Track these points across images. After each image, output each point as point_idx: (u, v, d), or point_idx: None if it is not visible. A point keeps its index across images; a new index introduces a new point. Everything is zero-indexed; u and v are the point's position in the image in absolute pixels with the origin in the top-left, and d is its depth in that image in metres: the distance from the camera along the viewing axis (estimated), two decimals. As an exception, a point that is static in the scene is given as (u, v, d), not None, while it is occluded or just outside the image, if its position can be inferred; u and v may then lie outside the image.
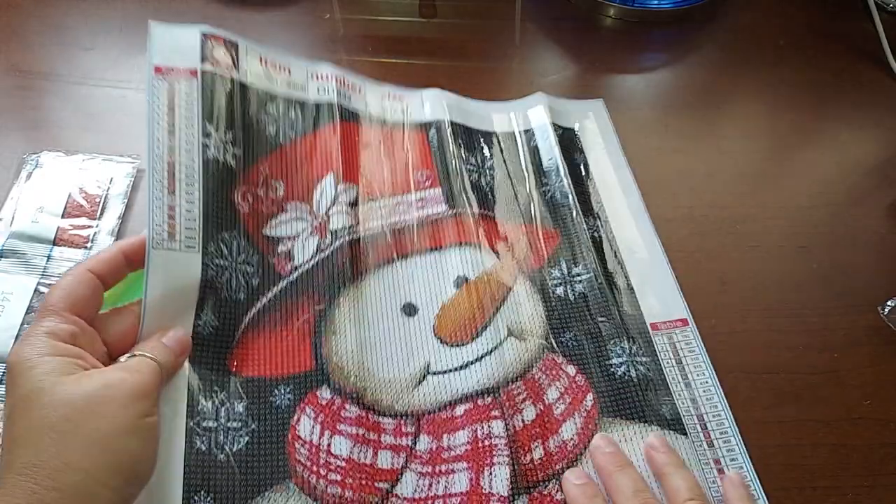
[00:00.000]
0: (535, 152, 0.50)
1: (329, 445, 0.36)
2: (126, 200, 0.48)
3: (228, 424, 0.35)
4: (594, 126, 0.53)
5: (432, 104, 0.50)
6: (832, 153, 0.57)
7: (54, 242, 0.46)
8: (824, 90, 0.60)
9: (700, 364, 0.41)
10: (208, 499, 0.33)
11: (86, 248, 0.46)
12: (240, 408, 0.36)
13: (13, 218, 0.46)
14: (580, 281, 0.44)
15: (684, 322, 0.43)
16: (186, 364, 0.36)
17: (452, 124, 0.49)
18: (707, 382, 0.41)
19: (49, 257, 0.45)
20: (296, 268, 0.41)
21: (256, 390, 0.37)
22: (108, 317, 0.34)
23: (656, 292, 0.44)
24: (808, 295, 0.47)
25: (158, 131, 0.38)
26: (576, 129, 0.53)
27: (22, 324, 0.42)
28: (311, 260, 0.41)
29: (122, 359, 0.33)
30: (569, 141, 0.51)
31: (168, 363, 0.33)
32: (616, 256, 0.46)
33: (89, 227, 0.47)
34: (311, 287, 0.40)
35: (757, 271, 0.48)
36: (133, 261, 0.35)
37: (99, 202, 0.48)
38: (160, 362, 0.32)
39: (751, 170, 0.55)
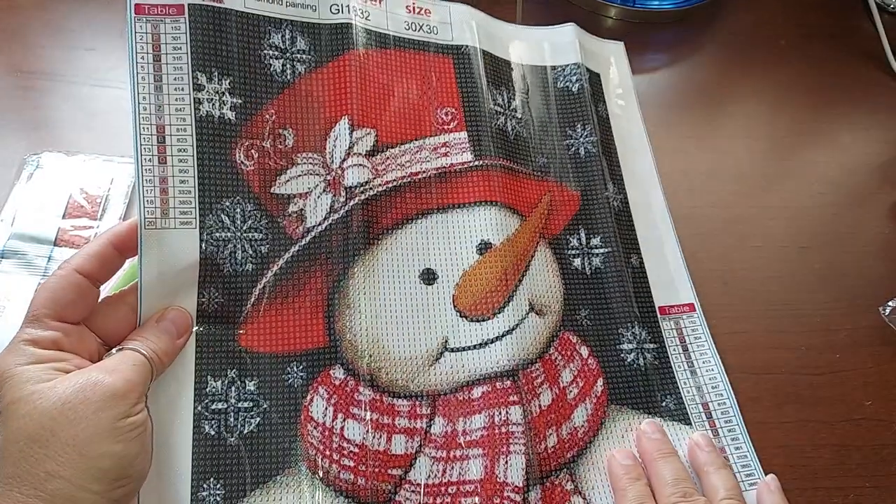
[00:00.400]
0: (562, 95, 0.46)
1: (342, 429, 0.34)
2: (127, 201, 0.48)
3: (239, 405, 0.34)
4: (616, 75, 0.49)
5: (460, 24, 0.44)
6: (833, 153, 0.57)
7: (55, 243, 0.46)
8: (825, 90, 0.60)
9: (706, 351, 0.41)
10: (217, 486, 0.32)
11: (87, 248, 0.46)
12: (251, 386, 0.34)
13: (14, 218, 0.46)
14: (598, 255, 0.42)
15: (691, 307, 0.43)
16: (192, 344, 0.34)
17: (482, 53, 0.43)
18: (713, 370, 0.40)
19: (50, 258, 0.45)
20: (308, 230, 0.37)
21: (268, 367, 0.35)
22: (100, 308, 0.33)
23: (666, 273, 0.43)
24: (810, 295, 0.47)
25: (144, 88, 0.34)
26: (601, 75, 0.48)
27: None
28: (324, 221, 0.37)
29: (113, 351, 0.32)
30: (596, 89, 0.47)
31: (162, 350, 0.32)
32: (632, 231, 0.44)
33: (90, 227, 0.47)
34: (324, 253, 0.37)
35: (758, 272, 0.48)
36: (125, 250, 0.33)
37: (100, 203, 0.48)
38: (149, 354, 0.31)
39: (752, 170, 0.55)
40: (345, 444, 0.34)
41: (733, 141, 0.56)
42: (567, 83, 0.46)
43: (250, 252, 0.36)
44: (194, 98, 0.35)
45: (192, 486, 0.32)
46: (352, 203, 0.38)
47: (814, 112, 0.59)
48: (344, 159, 0.38)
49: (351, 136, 0.39)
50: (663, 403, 0.39)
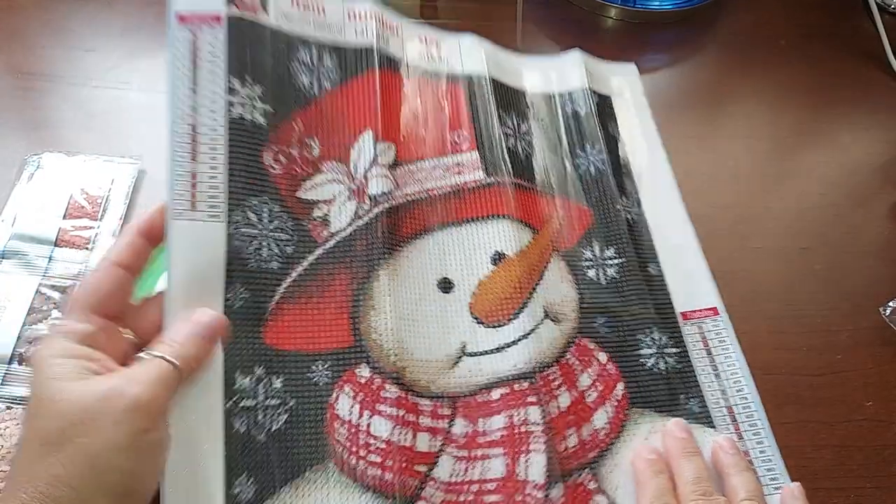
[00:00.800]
0: (571, 119, 0.48)
1: (369, 426, 0.35)
2: (128, 202, 0.48)
3: (267, 402, 0.34)
4: (629, 95, 0.51)
5: (470, 54, 0.46)
6: (834, 154, 0.57)
7: (56, 243, 0.46)
8: (826, 91, 0.60)
9: (731, 354, 0.41)
10: (250, 482, 0.32)
11: (87, 249, 0.46)
12: (277, 384, 0.34)
13: (15, 219, 0.46)
14: (612, 265, 0.42)
15: (714, 311, 0.42)
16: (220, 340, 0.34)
17: (492, 81, 0.46)
18: (737, 374, 0.40)
19: (50, 258, 0.45)
20: (332, 234, 0.38)
21: (293, 365, 0.35)
22: (138, 308, 0.33)
23: (687, 279, 0.43)
24: (810, 296, 0.47)
25: (181, 89, 0.35)
26: (611, 97, 0.50)
27: (23, 324, 0.42)
28: (348, 226, 0.38)
29: (143, 355, 0.31)
30: (605, 110, 0.49)
31: (193, 356, 0.31)
32: (649, 241, 0.44)
33: (91, 227, 0.47)
34: (348, 257, 0.38)
35: (759, 272, 0.48)
36: (152, 236, 0.33)
37: (100, 203, 0.48)
38: (178, 361, 0.30)
39: (752, 171, 0.55)
40: (371, 441, 0.34)
41: (734, 141, 0.56)
42: (575, 108, 0.47)
43: (276, 251, 0.36)
44: (227, 101, 0.36)
45: (224, 482, 0.32)
46: (376, 210, 0.39)
47: (814, 112, 0.59)
48: (368, 170, 0.39)
49: (374, 149, 0.40)
50: (687, 406, 0.38)
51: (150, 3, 0.62)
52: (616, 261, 0.42)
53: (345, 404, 0.35)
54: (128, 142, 0.52)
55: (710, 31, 0.65)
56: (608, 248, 0.43)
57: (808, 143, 0.57)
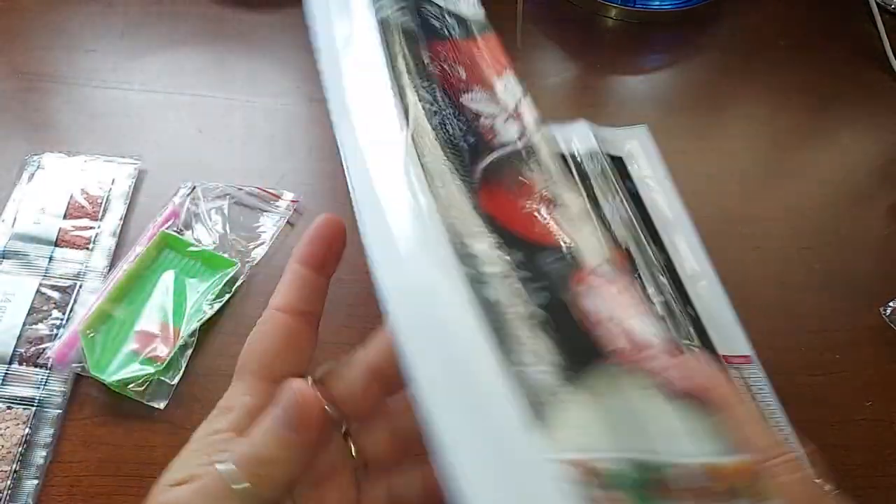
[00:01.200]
0: (585, 178, 0.49)
1: (632, 329, 0.27)
2: (128, 202, 0.48)
3: (519, 273, 0.25)
4: (641, 154, 0.53)
5: None
6: (834, 154, 0.57)
7: (56, 243, 0.46)
8: (826, 91, 0.60)
9: (770, 403, 0.41)
10: (542, 348, 0.23)
11: (87, 249, 0.46)
12: (518, 256, 0.26)
13: (15, 219, 0.46)
14: (657, 303, 0.43)
15: (747, 359, 0.42)
16: (431, 200, 0.25)
17: None
18: (780, 423, 0.40)
19: (51, 258, 0.45)
20: (503, 144, 0.31)
21: (522, 245, 0.27)
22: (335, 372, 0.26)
23: (719, 326, 0.44)
24: (810, 296, 0.47)
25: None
26: (624, 157, 0.52)
27: (24, 325, 0.42)
28: (517, 141, 0.32)
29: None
30: (620, 170, 0.51)
31: (272, 457, 0.22)
32: (681, 287, 0.45)
33: (91, 228, 0.47)
34: (527, 167, 0.31)
35: (758, 273, 0.48)
36: (318, 266, 0.26)
37: (101, 203, 0.48)
38: (239, 469, 0.22)
39: (752, 171, 0.55)
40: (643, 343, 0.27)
41: (734, 142, 0.56)
42: (588, 167, 0.49)
43: (459, 133, 0.30)
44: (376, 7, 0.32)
45: (501, 361, 0.22)
46: (538, 136, 0.32)
47: (814, 112, 0.59)
48: (518, 103, 0.34)
49: (520, 89, 0.34)
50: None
51: (151, 4, 0.62)
52: (657, 299, 0.43)
53: (591, 300, 0.26)
54: (128, 142, 0.52)
55: (710, 32, 0.65)
56: (648, 287, 0.43)
57: (807, 144, 0.57)
